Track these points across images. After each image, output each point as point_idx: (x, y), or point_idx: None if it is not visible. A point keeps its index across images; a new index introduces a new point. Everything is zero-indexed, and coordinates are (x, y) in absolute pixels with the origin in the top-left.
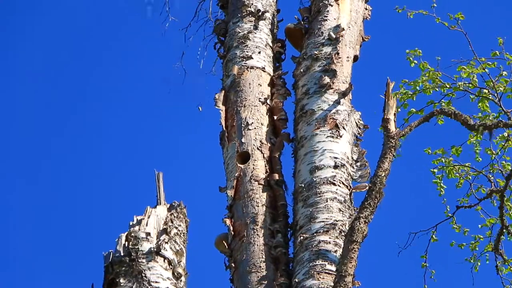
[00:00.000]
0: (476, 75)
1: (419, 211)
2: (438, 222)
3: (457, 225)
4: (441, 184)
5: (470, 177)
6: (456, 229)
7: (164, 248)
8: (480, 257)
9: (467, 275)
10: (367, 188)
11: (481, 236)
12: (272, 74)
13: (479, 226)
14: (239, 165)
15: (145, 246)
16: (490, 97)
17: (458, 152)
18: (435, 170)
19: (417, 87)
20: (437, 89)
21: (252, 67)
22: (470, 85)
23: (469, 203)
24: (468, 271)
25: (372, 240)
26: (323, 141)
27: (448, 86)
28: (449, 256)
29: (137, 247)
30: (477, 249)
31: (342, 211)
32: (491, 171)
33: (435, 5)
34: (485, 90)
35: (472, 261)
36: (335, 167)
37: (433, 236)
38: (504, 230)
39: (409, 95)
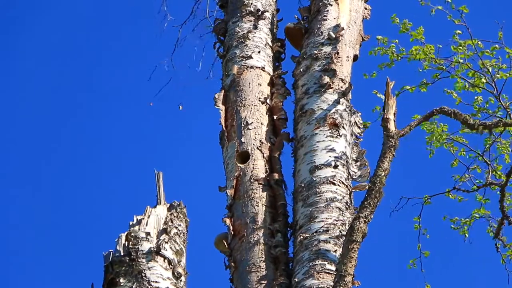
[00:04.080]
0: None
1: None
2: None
3: (453, 195)
4: (431, 149)
5: (464, 153)
6: (451, 197)
7: (164, 248)
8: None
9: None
10: (367, 187)
11: (477, 215)
12: (271, 73)
13: (475, 210)
14: (238, 164)
15: (145, 246)
16: (489, 90)
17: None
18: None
19: (404, 51)
20: (427, 65)
21: (251, 67)
22: (466, 66)
23: (467, 185)
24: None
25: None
26: (323, 140)
27: (443, 68)
28: (443, 229)
29: (137, 247)
30: (471, 225)
31: (342, 211)
32: (490, 156)
33: (449, 0)
34: (483, 79)
35: (462, 232)
36: (335, 166)
37: (428, 200)
38: (505, 220)
39: (394, 55)
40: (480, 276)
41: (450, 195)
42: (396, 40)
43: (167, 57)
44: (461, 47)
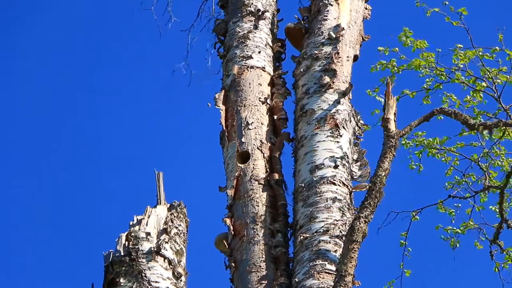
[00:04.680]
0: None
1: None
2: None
3: (445, 208)
4: (419, 164)
5: (457, 162)
6: (442, 210)
7: (164, 248)
8: (460, 237)
9: (447, 256)
10: (367, 187)
11: (472, 224)
12: (272, 73)
13: (463, 223)
14: (239, 164)
15: (145, 246)
16: (490, 93)
17: (442, 142)
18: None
19: (404, 62)
20: (428, 71)
21: (252, 67)
22: (467, 73)
23: (460, 193)
24: (447, 253)
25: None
26: (323, 140)
27: (444, 74)
28: (433, 240)
29: (137, 247)
30: (464, 233)
31: (342, 211)
32: (487, 162)
33: (447, 2)
34: (483, 83)
35: (452, 244)
36: (335, 166)
37: (415, 216)
38: (504, 224)
39: (394, 68)
40: (474, 286)
41: (440, 208)
42: (396, 49)
43: (180, 61)
44: (461, 55)
